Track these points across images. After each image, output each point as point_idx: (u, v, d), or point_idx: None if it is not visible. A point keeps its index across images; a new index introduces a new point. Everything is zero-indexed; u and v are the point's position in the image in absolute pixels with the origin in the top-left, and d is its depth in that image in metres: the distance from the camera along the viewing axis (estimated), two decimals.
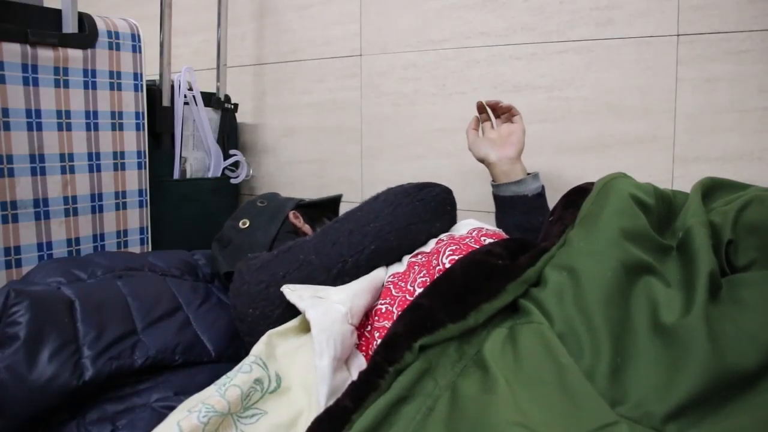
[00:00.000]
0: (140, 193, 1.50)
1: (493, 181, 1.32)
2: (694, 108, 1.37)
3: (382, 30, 1.76)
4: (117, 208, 1.45)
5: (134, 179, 1.48)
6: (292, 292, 0.94)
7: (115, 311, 1.03)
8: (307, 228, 1.34)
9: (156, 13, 1.63)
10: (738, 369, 0.65)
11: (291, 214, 1.34)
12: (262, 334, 0.88)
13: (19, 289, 0.97)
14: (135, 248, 1.50)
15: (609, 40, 1.44)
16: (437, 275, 0.90)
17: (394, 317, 0.88)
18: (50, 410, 0.90)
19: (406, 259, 1.04)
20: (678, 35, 1.37)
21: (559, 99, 1.51)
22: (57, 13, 1.32)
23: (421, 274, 0.96)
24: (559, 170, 1.50)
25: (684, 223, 0.84)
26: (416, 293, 0.90)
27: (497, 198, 1.32)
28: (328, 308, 0.87)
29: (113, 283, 1.09)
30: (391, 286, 0.96)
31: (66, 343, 0.94)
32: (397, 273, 1.00)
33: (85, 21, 1.34)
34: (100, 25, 1.37)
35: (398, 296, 0.94)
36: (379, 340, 0.80)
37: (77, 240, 1.37)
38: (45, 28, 1.27)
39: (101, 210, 1.42)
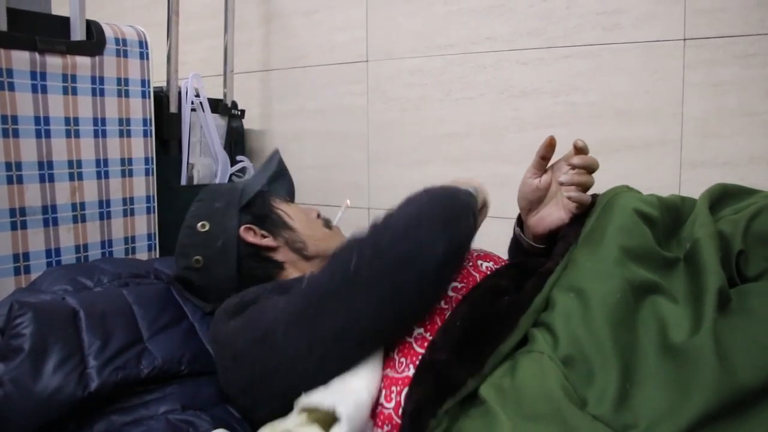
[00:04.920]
0: (148, 199, 1.50)
1: (525, 229, 1.08)
2: (702, 112, 1.36)
3: (389, 36, 1.76)
4: (125, 214, 1.45)
5: (142, 185, 1.48)
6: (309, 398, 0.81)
7: (120, 320, 1.02)
8: (267, 241, 1.12)
9: (163, 20, 1.64)
10: (750, 384, 0.63)
11: (243, 232, 1.11)
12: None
13: (23, 301, 0.97)
14: (143, 254, 1.50)
15: (616, 44, 1.44)
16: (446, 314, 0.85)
17: (397, 363, 0.82)
18: (57, 422, 0.89)
19: None
20: (685, 39, 1.36)
21: (565, 104, 1.51)
22: (65, 21, 1.32)
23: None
24: None
25: (691, 234, 0.83)
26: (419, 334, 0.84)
27: (521, 242, 1.10)
28: (356, 400, 0.77)
29: (118, 291, 1.08)
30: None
31: (70, 354, 0.93)
32: None
33: (93, 28, 1.35)
34: (108, 33, 1.38)
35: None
36: (383, 390, 0.80)
37: (85, 246, 1.37)
38: (53, 36, 1.28)
39: (109, 216, 1.42)
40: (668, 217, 0.88)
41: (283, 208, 1.18)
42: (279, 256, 1.12)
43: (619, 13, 1.43)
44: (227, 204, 1.15)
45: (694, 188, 0.90)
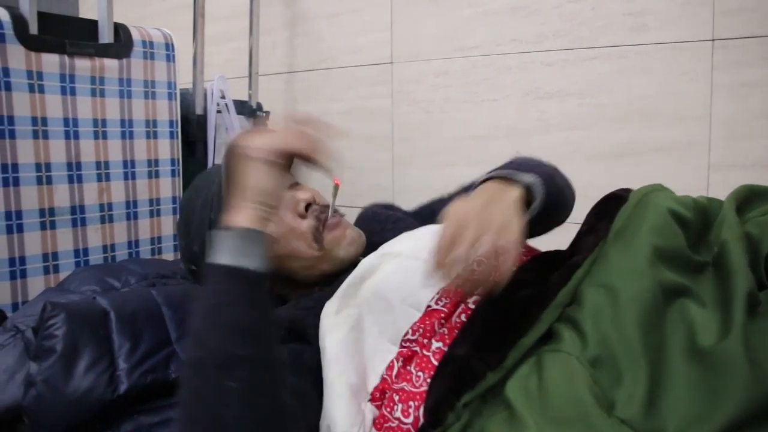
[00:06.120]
0: (174, 200, 1.51)
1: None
2: (730, 114, 1.34)
3: (413, 37, 1.76)
4: (151, 215, 1.47)
5: (168, 187, 1.50)
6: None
7: (150, 321, 1.03)
8: None
9: (189, 23, 1.66)
10: None
11: None
12: None
13: (56, 302, 0.98)
14: (169, 255, 1.51)
15: (642, 45, 1.43)
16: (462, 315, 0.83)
17: (414, 377, 0.79)
18: (87, 423, 0.91)
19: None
20: (713, 40, 1.35)
21: (590, 105, 1.50)
22: (93, 24, 1.34)
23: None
24: (590, 177, 1.49)
25: (718, 237, 0.80)
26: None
27: None
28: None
29: (147, 292, 1.09)
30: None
31: (101, 356, 0.95)
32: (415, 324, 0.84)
33: (121, 31, 1.37)
34: (135, 36, 1.39)
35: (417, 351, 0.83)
36: (400, 405, 0.77)
37: (112, 246, 1.39)
38: (82, 39, 1.30)
39: (135, 217, 1.44)
40: (699, 220, 0.86)
41: None
42: None
43: (645, 14, 1.42)
44: (203, 203, 1.01)
45: (722, 191, 0.88)
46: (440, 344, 0.80)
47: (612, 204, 0.89)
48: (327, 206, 1.02)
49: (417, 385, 0.78)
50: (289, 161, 0.76)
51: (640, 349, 0.69)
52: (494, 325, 0.77)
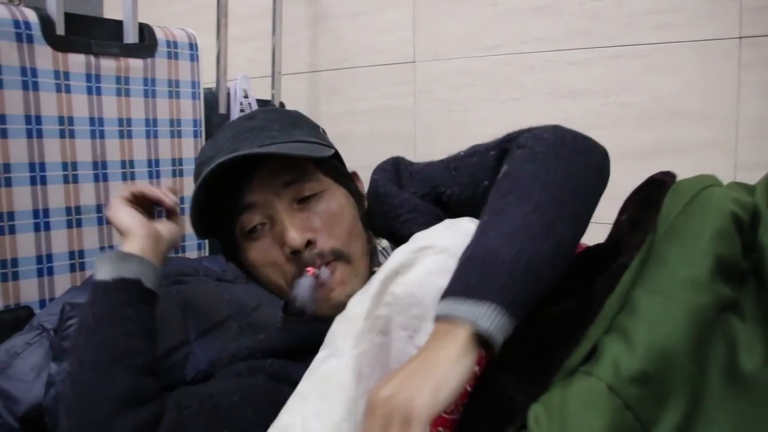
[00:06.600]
0: None
1: None
2: (758, 112, 1.33)
3: (436, 36, 1.75)
4: None
5: (191, 186, 1.50)
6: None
7: (170, 320, 1.02)
8: None
9: (212, 23, 1.67)
10: None
11: None
12: None
13: (74, 303, 1.00)
14: (192, 253, 1.52)
15: (667, 44, 1.41)
16: None
17: None
18: None
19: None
20: (740, 38, 1.33)
21: (615, 104, 1.49)
22: (118, 24, 1.36)
23: None
24: (615, 177, 1.47)
25: (755, 239, 0.72)
26: None
27: None
28: None
29: (168, 290, 1.09)
30: None
31: None
32: None
33: (145, 31, 1.38)
34: (159, 35, 1.40)
35: None
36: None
37: None
38: (107, 39, 1.31)
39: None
40: (748, 220, 0.75)
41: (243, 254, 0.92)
42: None
43: (671, 11, 1.40)
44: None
45: None
46: (476, 367, 0.69)
47: (655, 190, 0.80)
48: (323, 256, 0.86)
49: (448, 411, 0.69)
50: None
51: (689, 370, 0.62)
52: (533, 344, 0.69)
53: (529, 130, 0.86)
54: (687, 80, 1.40)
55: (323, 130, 1.03)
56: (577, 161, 0.79)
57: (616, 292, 0.67)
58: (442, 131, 1.76)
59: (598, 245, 0.83)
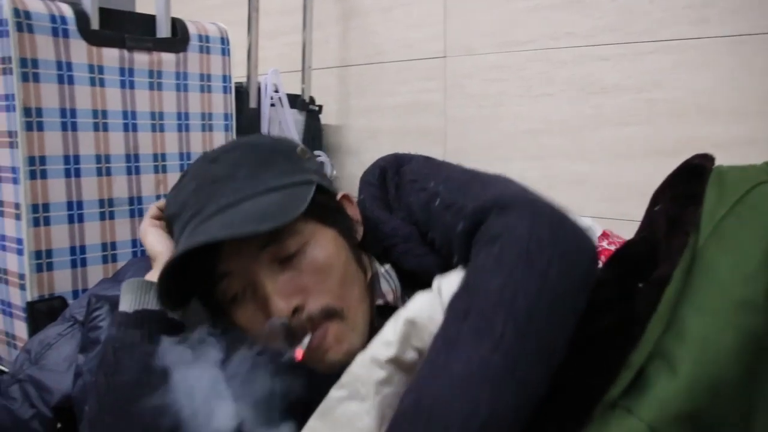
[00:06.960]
0: None
1: None
2: None
3: (467, 31, 1.75)
4: None
5: None
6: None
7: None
8: None
9: (243, 18, 1.68)
10: None
11: None
12: None
13: (100, 295, 1.01)
14: None
15: (702, 39, 1.39)
16: None
17: None
18: None
19: None
20: None
21: (647, 100, 1.47)
22: (151, 19, 1.37)
23: None
24: (647, 174, 1.45)
25: None
26: None
27: None
28: None
29: None
30: None
31: None
32: None
33: (178, 26, 1.39)
34: (192, 30, 1.41)
35: None
36: None
37: None
38: (140, 34, 1.33)
39: None
40: None
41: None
42: None
43: (707, 6, 1.38)
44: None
45: None
46: None
47: (694, 181, 0.72)
48: (312, 320, 0.78)
49: None
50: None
51: (738, 405, 0.56)
52: (573, 376, 0.62)
53: (502, 209, 0.70)
54: (721, 76, 1.37)
55: (302, 149, 0.89)
56: (556, 273, 0.63)
57: (659, 313, 0.59)
58: (473, 126, 1.75)
59: (632, 247, 0.73)
